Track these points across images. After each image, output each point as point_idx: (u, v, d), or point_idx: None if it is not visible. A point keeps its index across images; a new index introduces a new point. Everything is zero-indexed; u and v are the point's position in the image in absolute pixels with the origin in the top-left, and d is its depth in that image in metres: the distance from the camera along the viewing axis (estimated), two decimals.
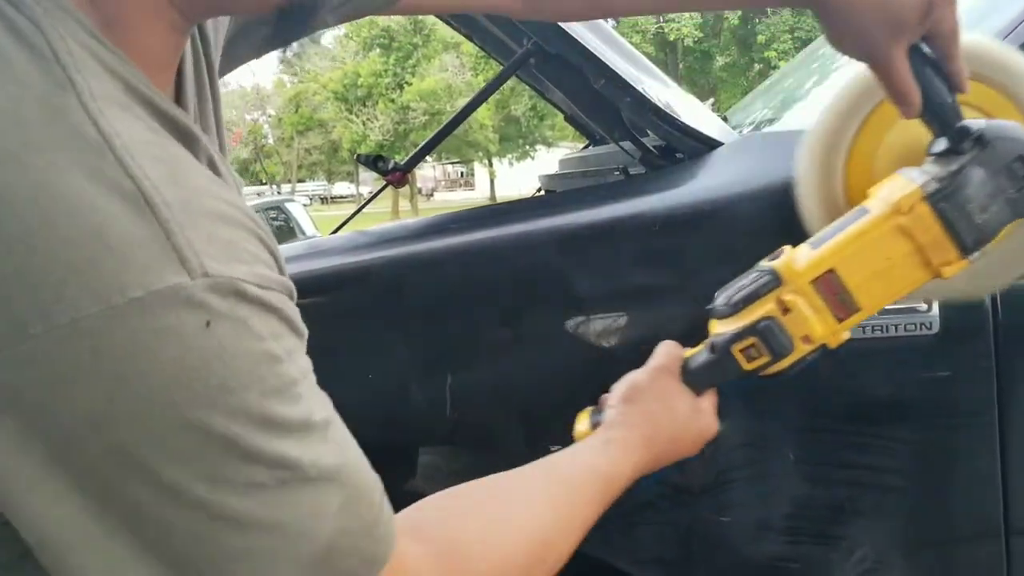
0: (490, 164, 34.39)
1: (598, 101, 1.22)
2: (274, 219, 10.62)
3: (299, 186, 39.64)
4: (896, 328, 0.99)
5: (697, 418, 0.82)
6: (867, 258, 0.77)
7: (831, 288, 0.78)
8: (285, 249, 1.27)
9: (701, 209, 1.01)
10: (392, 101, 29.78)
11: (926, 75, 0.76)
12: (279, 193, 15.41)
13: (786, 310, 0.78)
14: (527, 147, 32.82)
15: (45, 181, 0.41)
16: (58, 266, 0.41)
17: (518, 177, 29.37)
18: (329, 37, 33.29)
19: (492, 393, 1.05)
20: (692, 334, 0.87)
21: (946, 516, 1.06)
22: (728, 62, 28.19)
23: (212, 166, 0.55)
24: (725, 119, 1.76)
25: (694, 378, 0.83)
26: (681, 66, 28.63)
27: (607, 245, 1.03)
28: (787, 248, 0.81)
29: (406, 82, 30.00)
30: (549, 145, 32.46)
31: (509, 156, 33.32)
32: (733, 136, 1.20)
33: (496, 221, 1.10)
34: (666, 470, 1.04)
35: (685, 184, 1.07)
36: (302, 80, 37.14)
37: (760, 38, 25.88)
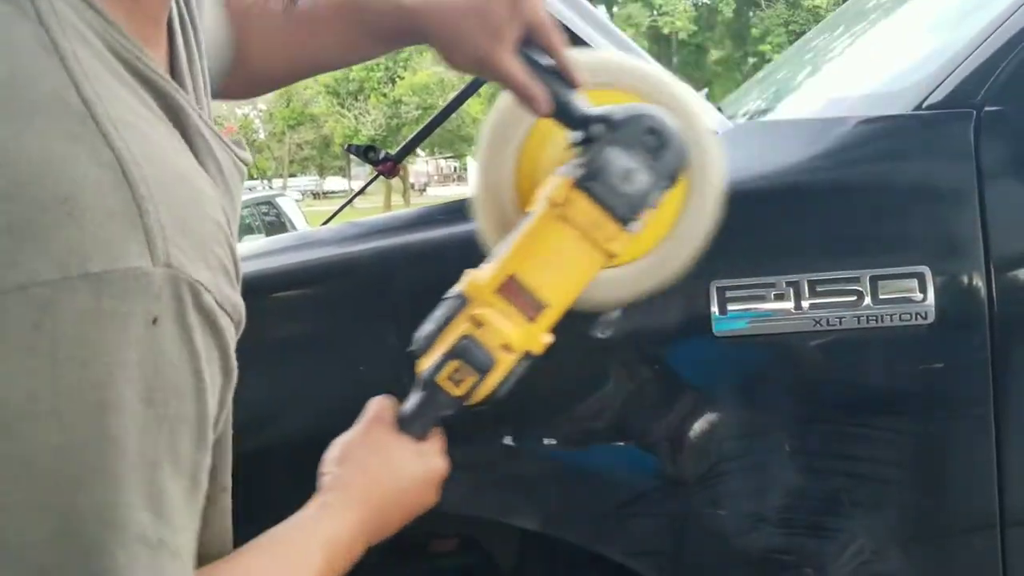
0: None
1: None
2: (265, 214, 10.59)
3: (291, 181, 39.55)
4: (891, 318, 0.99)
5: (422, 462, 0.79)
6: (540, 255, 0.80)
7: (515, 292, 0.80)
8: (275, 240, 1.26)
9: None
10: (384, 95, 29.75)
11: (540, 75, 0.80)
12: (270, 188, 15.36)
13: (479, 324, 0.79)
14: None
15: (20, 142, 0.40)
16: (22, 227, 0.40)
17: None
18: None
19: None
20: None
21: (942, 508, 1.06)
22: (722, 56, 28.19)
23: (202, 143, 0.53)
24: (719, 109, 1.75)
25: (411, 423, 0.80)
26: (675, 60, 28.64)
27: None
28: (469, 271, 0.82)
29: (398, 76, 29.98)
30: None
31: None
32: (728, 125, 1.19)
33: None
34: (659, 461, 1.04)
35: None
36: None
37: (754, 31, 25.87)
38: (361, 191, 1.58)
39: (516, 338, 0.79)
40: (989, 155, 1.00)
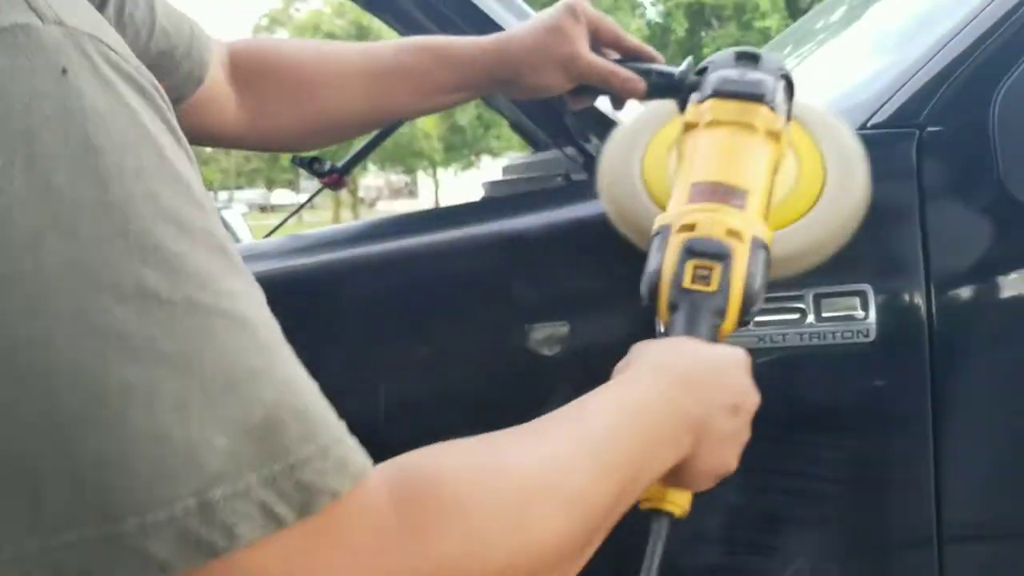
0: (435, 173, 34.34)
1: (542, 105, 1.21)
2: None
3: (237, 193, 39.08)
4: (834, 335, 0.99)
5: (722, 349, 0.70)
6: (711, 157, 0.80)
7: (708, 192, 0.77)
8: None
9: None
10: None
11: (623, 62, 0.90)
12: (216, 201, 15.16)
13: (692, 228, 0.75)
14: (472, 157, 32.84)
15: None
16: None
17: (463, 187, 29.36)
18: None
19: (430, 402, 1.03)
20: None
21: (881, 524, 1.06)
22: None
23: None
24: None
25: (695, 333, 0.73)
26: None
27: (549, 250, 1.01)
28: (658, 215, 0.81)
29: None
30: (495, 155, 32.52)
31: (454, 166, 33.31)
32: None
33: (435, 225, 1.08)
34: None
35: None
36: None
37: (706, 51, 26.27)
38: (306, 203, 1.55)
39: (736, 221, 0.75)
40: (931, 175, 1.01)
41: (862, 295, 0.99)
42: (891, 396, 1.02)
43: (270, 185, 42.69)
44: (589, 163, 1.22)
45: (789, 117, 0.86)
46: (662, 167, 0.91)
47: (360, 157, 1.34)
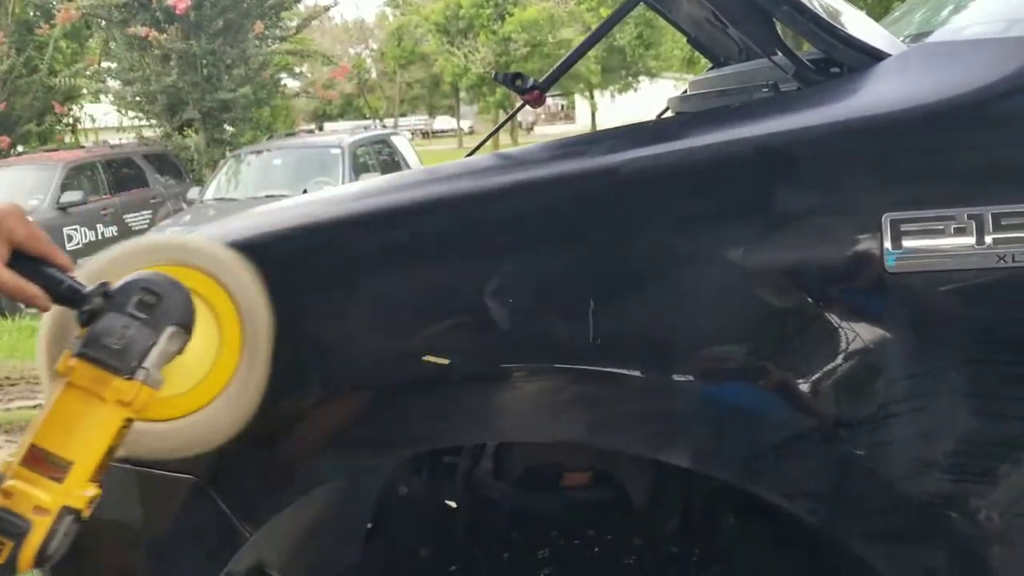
0: (591, 96, 33.87)
1: (748, 10, 1.15)
2: (379, 153, 10.72)
3: (401, 120, 39.94)
4: None
5: None
6: (57, 421, 0.90)
7: (39, 460, 0.88)
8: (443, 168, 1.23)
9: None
10: (493, 32, 29.50)
11: (37, 272, 0.93)
12: (383, 127, 15.53)
13: (9, 495, 0.86)
14: (630, 78, 32.17)
15: None
16: None
17: (619, 110, 28.87)
18: None
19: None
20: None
21: None
22: None
23: None
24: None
25: None
26: None
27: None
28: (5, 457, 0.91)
29: (507, 12, 29.65)
30: (652, 76, 31.73)
31: (611, 88, 32.74)
32: (901, 47, 1.12)
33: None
34: (820, 401, 0.99)
35: (859, 97, 1.00)
36: (404, 12, 37.12)
37: None
38: (509, 119, 1.55)
39: (47, 498, 0.87)
40: None
41: None
42: None
43: (431, 111, 43.39)
44: (802, 72, 1.16)
45: (178, 353, 0.95)
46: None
47: (559, 74, 1.32)
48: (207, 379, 1.00)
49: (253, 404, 1.01)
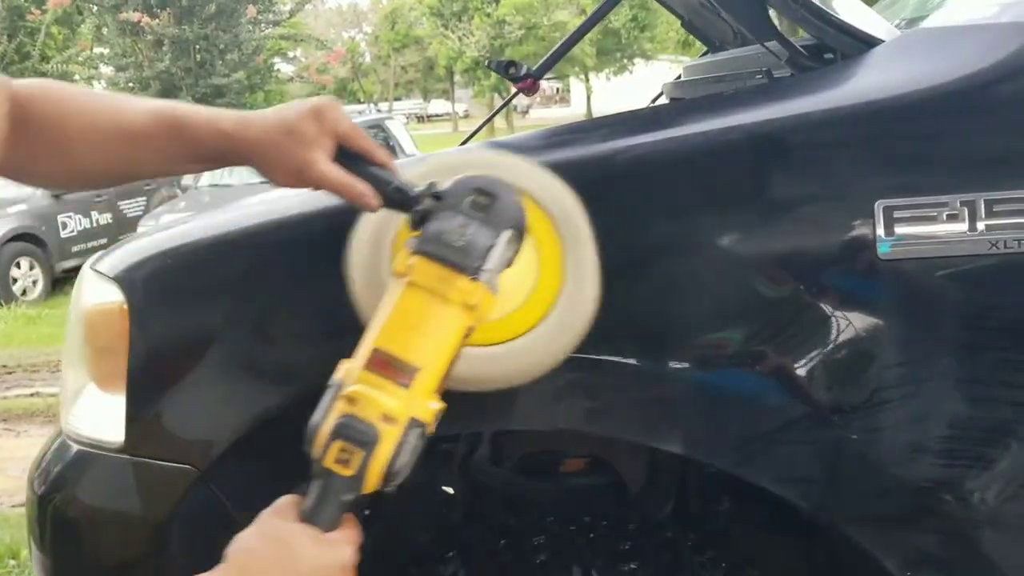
0: (586, 79, 33.76)
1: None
2: (374, 137, 10.69)
3: (395, 104, 39.79)
4: None
5: (322, 550, 0.77)
6: (400, 323, 0.82)
7: (383, 364, 0.80)
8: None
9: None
10: (488, 15, 29.37)
11: (361, 171, 0.87)
12: (377, 111, 15.48)
13: (354, 401, 0.78)
14: (625, 61, 32.04)
15: None
16: None
17: (615, 92, 28.76)
18: None
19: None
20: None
21: None
22: None
23: None
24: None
25: (314, 514, 0.79)
26: None
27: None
28: (343, 361, 0.83)
29: None
30: (648, 58, 31.63)
31: (606, 70, 32.63)
32: (895, 33, 1.12)
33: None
34: (812, 387, 1.00)
35: (852, 83, 1.00)
36: None
37: None
38: (502, 107, 1.55)
39: (394, 405, 0.78)
40: None
41: None
42: None
43: (426, 95, 43.23)
44: (794, 58, 1.16)
45: (510, 264, 0.87)
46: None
47: (552, 62, 1.32)
48: (529, 301, 0.93)
49: (580, 330, 0.95)
